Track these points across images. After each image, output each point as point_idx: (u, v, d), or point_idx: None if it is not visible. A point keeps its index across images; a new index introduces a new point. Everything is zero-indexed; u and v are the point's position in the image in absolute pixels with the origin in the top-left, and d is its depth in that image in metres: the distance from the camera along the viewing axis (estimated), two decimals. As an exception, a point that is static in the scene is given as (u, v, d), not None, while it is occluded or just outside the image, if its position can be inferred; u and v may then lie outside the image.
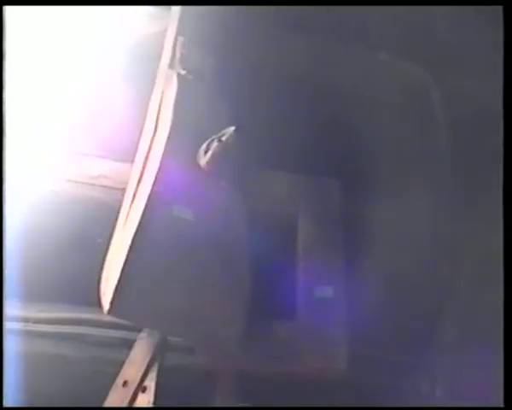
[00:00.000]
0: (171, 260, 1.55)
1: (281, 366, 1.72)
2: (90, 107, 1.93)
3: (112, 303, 1.50)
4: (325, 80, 1.99)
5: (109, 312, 1.51)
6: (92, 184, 1.89)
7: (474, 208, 1.97)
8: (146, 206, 1.55)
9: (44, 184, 1.86)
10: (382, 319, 1.82)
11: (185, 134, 1.67)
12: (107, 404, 1.61)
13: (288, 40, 1.97)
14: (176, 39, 1.85)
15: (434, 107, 2.12)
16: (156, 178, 1.58)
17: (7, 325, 1.77)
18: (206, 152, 1.64)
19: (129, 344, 1.69)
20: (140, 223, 1.53)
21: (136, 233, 1.52)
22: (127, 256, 1.51)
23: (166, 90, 1.76)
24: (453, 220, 1.98)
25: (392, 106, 2.05)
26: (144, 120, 1.82)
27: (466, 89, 2.13)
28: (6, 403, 1.44)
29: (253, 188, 1.81)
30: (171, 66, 1.81)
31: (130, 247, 1.51)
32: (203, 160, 1.64)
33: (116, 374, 1.63)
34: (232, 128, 1.63)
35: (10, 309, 1.78)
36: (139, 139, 1.80)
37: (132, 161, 1.78)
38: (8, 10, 1.57)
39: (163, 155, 1.61)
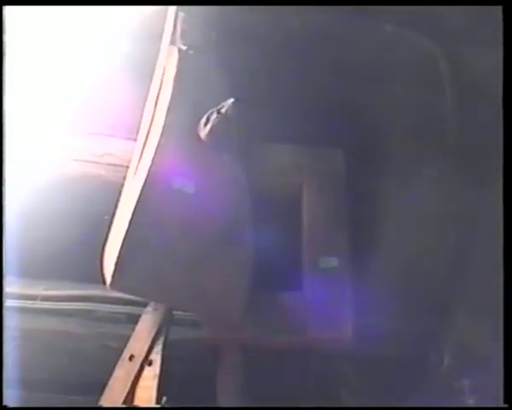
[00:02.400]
0: (172, 233, 1.56)
1: (285, 338, 1.72)
2: (94, 86, 1.93)
3: (113, 277, 1.51)
4: (330, 53, 1.97)
5: (111, 285, 1.52)
6: (98, 163, 1.89)
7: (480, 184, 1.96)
8: (146, 180, 1.55)
9: (50, 164, 1.87)
10: (388, 290, 1.82)
11: (185, 107, 1.67)
12: (113, 378, 1.62)
13: (291, 14, 1.95)
14: (177, 15, 1.84)
15: (443, 79, 2.09)
16: (156, 151, 1.58)
17: (15, 303, 1.80)
18: (205, 124, 1.64)
19: (135, 319, 1.70)
20: (140, 197, 1.54)
21: (136, 207, 1.53)
22: (128, 230, 1.51)
23: (167, 66, 1.76)
24: (459, 190, 1.96)
25: (399, 78, 2.03)
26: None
27: (474, 60, 2.10)
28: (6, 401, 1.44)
29: (257, 160, 1.80)
30: (172, 42, 1.80)
31: (131, 221, 1.52)
32: (203, 132, 1.64)
33: (122, 349, 1.65)
34: (231, 100, 1.63)
35: (18, 288, 1.81)
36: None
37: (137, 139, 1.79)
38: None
39: (163, 128, 1.61)
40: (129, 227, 1.51)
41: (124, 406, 1.57)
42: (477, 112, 2.04)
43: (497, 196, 1.66)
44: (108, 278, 1.52)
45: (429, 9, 2.04)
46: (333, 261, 1.77)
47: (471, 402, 1.76)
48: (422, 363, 1.84)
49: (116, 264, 1.50)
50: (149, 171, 1.56)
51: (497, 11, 1.93)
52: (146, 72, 1.85)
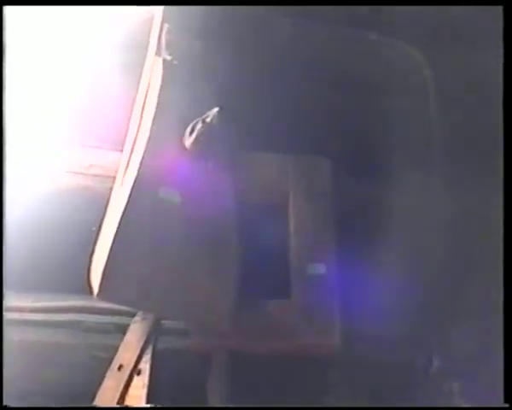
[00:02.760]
0: (158, 242, 1.57)
1: (274, 344, 1.73)
2: (81, 98, 1.94)
3: (100, 287, 1.52)
4: (314, 62, 1.99)
5: (98, 295, 1.53)
6: (85, 174, 1.90)
7: (469, 186, 1.97)
8: (132, 189, 1.56)
9: (37, 176, 1.87)
10: (376, 294, 1.82)
11: (170, 118, 1.68)
12: (103, 388, 1.62)
13: (276, 24, 1.96)
14: (162, 26, 1.85)
15: (427, 86, 2.11)
16: (141, 161, 1.59)
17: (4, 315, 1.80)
18: (191, 134, 1.65)
19: (123, 330, 1.71)
20: (126, 206, 1.55)
21: (122, 217, 1.54)
22: (114, 240, 1.52)
23: (153, 77, 1.77)
24: (447, 197, 1.97)
25: (383, 86, 2.04)
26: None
27: (459, 66, 2.11)
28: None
29: (244, 168, 1.81)
30: (157, 53, 1.82)
31: (117, 230, 1.53)
32: (188, 141, 1.65)
33: (111, 359, 1.65)
34: (216, 109, 1.65)
35: (6, 300, 1.81)
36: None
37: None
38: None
39: (148, 138, 1.62)
40: (115, 237, 1.52)
41: (119, 406, 1.58)
42: (462, 118, 2.06)
43: (488, 198, 1.68)
44: (96, 289, 1.53)
45: (413, 17, 2.07)
46: (320, 268, 1.78)
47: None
48: (411, 366, 1.84)
49: (103, 274, 1.51)
50: (135, 181, 1.57)
51: (485, 16, 1.96)
52: (134, 83, 1.86)
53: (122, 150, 1.79)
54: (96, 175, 1.89)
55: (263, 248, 1.78)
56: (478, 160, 1.98)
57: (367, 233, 1.88)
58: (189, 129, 1.66)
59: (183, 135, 1.67)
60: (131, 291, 1.55)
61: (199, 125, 1.65)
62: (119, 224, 1.53)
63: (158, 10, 1.92)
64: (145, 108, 1.73)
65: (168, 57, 1.78)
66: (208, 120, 1.65)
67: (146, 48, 1.87)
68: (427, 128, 2.07)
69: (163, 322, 1.71)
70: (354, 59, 2.02)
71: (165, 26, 1.86)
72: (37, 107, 1.92)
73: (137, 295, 1.56)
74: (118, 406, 1.58)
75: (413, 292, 1.88)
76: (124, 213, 1.54)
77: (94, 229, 1.72)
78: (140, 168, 1.58)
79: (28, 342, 1.74)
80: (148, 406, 1.57)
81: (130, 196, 1.55)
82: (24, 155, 1.88)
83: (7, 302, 1.80)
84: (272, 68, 1.93)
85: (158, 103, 1.68)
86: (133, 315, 1.71)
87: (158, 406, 1.55)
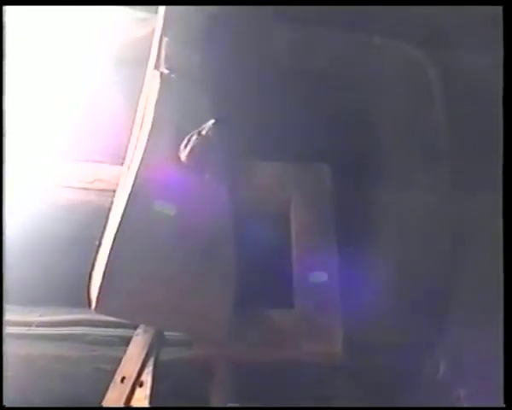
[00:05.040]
0: (154, 255, 1.58)
1: (277, 353, 1.73)
2: (83, 113, 1.96)
3: (97, 300, 1.53)
4: (316, 67, 1.99)
5: (96, 308, 1.55)
6: (88, 189, 1.92)
7: (473, 188, 1.96)
8: (127, 202, 1.58)
9: (41, 191, 1.90)
10: (379, 302, 1.82)
11: (167, 131, 1.70)
12: (106, 400, 1.64)
13: (275, 30, 1.97)
14: (161, 40, 1.87)
15: (432, 87, 2.09)
16: (137, 174, 1.61)
17: (11, 330, 1.83)
18: (186, 146, 1.66)
19: (127, 342, 1.71)
20: (121, 219, 1.56)
21: (117, 230, 1.55)
22: (110, 253, 1.54)
23: (151, 91, 1.78)
24: (453, 201, 1.95)
25: (388, 89, 2.03)
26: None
27: (463, 66, 2.10)
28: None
29: (243, 178, 1.82)
30: (156, 66, 1.83)
31: (113, 243, 1.55)
32: (183, 154, 1.66)
33: (115, 371, 1.67)
34: (211, 121, 1.65)
35: (13, 315, 1.84)
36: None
37: (124, 164, 1.82)
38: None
39: (144, 151, 1.64)
40: (111, 251, 1.54)
41: (121, 406, 1.60)
42: (468, 118, 2.04)
43: (491, 202, 1.66)
44: (93, 302, 1.55)
45: (416, 17, 2.06)
46: (322, 276, 1.78)
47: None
48: (417, 372, 1.83)
49: (99, 288, 1.53)
50: (130, 194, 1.58)
51: (485, 16, 1.94)
52: (135, 97, 1.87)
53: (123, 164, 1.81)
54: (99, 190, 1.91)
55: (264, 257, 1.78)
56: (484, 160, 1.95)
57: (368, 239, 1.87)
58: (184, 142, 1.67)
59: (178, 148, 1.68)
60: (128, 304, 1.56)
61: (194, 138, 1.65)
62: (115, 238, 1.54)
63: (158, 24, 1.94)
64: (143, 122, 1.74)
65: (166, 71, 1.80)
66: (204, 132, 1.65)
67: (145, 63, 1.88)
68: (432, 129, 2.05)
69: (165, 333, 1.72)
70: (357, 63, 2.01)
71: (165, 39, 1.88)
72: (36, 119, 1.94)
73: (134, 309, 1.58)
74: (118, 403, 1.59)
75: (418, 297, 1.88)
76: (119, 227, 1.55)
77: (97, 243, 1.74)
78: (135, 182, 1.59)
79: (34, 356, 1.77)
80: (149, 406, 1.59)
81: (125, 209, 1.57)
82: (25, 168, 1.90)
83: (14, 317, 1.84)
84: (271, 77, 1.93)
85: (154, 117, 1.70)
86: (136, 328, 1.73)
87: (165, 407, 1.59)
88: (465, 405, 1.77)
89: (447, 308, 1.87)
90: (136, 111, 1.85)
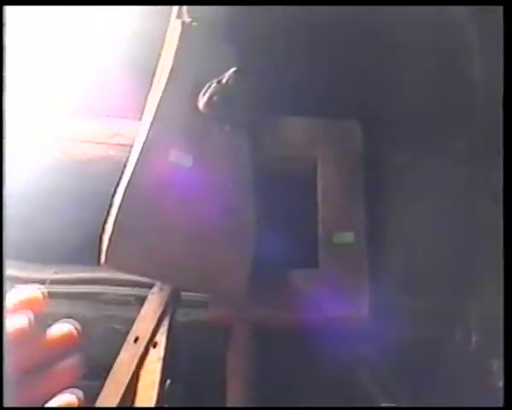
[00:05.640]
0: (168, 207, 1.50)
1: (299, 317, 1.64)
2: (103, 67, 1.90)
3: (107, 253, 1.47)
4: (346, 23, 1.89)
5: (105, 262, 1.48)
6: (108, 144, 1.86)
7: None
8: (140, 152, 1.51)
9: (59, 146, 1.84)
10: (409, 265, 1.73)
11: (185, 80, 1.62)
12: (119, 360, 1.57)
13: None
14: (185, -9, 1.80)
15: (470, 45, 1.98)
16: (152, 123, 1.54)
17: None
18: (204, 94, 1.59)
19: (143, 302, 1.65)
20: (134, 169, 1.49)
21: (130, 180, 1.49)
22: (121, 203, 1.47)
23: (171, 40, 1.71)
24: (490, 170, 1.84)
25: (422, 45, 1.93)
26: (157, 75, 1.78)
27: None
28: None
29: (268, 133, 1.74)
30: (178, 16, 1.76)
31: (124, 194, 1.48)
32: (201, 102, 1.58)
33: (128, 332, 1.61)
34: (233, 69, 1.58)
35: (27, 272, 1.78)
36: (152, 95, 1.76)
37: (144, 117, 1.75)
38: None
39: (160, 99, 1.56)
40: (121, 203, 1.47)
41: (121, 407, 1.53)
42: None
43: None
44: (102, 256, 1.48)
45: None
46: (349, 237, 1.69)
47: (500, 385, 1.65)
48: (448, 342, 1.73)
49: (109, 240, 1.46)
50: (144, 144, 1.51)
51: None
52: (155, 51, 1.80)
53: (142, 118, 1.75)
54: (119, 145, 1.84)
55: (288, 216, 1.70)
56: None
57: (397, 203, 1.78)
58: (203, 90, 1.60)
59: (197, 97, 1.60)
60: (140, 259, 1.49)
61: (213, 86, 1.58)
62: (126, 188, 1.48)
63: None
64: (162, 74, 1.67)
65: (187, 19, 1.72)
66: (224, 80, 1.58)
67: (168, 15, 1.81)
68: (469, 94, 1.94)
69: (182, 294, 1.64)
70: (388, 17, 1.91)
71: (188, -11, 1.80)
72: (55, 73, 1.89)
73: (147, 264, 1.50)
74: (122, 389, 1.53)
75: (451, 266, 1.78)
76: (131, 176, 1.48)
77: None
78: (149, 130, 1.52)
79: (48, 314, 1.70)
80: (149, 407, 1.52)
81: (138, 159, 1.50)
82: (42, 123, 1.85)
83: (27, 274, 1.79)
84: (299, 28, 1.84)
85: (173, 66, 1.63)
86: (152, 287, 1.66)
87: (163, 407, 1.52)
88: (497, 376, 1.67)
89: (482, 278, 1.77)
90: (156, 65, 1.78)
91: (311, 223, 1.71)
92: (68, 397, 1.39)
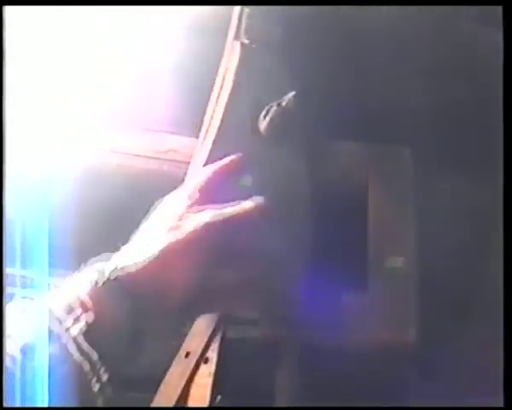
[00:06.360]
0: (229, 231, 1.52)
1: (348, 337, 1.66)
2: (159, 82, 1.93)
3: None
4: (394, 49, 1.91)
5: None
6: (161, 159, 1.89)
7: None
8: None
9: (111, 160, 1.87)
10: (455, 291, 1.75)
11: (245, 102, 1.65)
12: (169, 374, 1.61)
13: (357, 11, 1.90)
14: (242, 10, 1.82)
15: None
16: (213, 144, 1.56)
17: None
18: (265, 117, 1.61)
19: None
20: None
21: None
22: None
23: (230, 61, 1.74)
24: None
25: (467, 74, 1.95)
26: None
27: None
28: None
29: (322, 157, 1.76)
30: (236, 37, 1.79)
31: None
32: (262, 125, 1.61)
33: (180, 346, 1.63)
34: (292, 93, 1.61)
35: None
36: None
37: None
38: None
39: (220, 122, 1.59)
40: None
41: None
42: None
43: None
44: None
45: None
46: (399, 261, 1.71)
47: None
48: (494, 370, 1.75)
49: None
50: (205, 165, 1.54)
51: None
52: (212, 68, 1.83)
53: (198, 137, 1.78)
54: (172, 160, 1.88)
55: (339, 240, 1.72)
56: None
57: (444, 227, 1.80)
58: (263, 113, 1.62)
59: (257, 119, 1.63)
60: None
61: (273, 108, 1.60)
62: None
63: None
64: (220, 94, 1.70)
65: (246, 41, 1.75)
66: (284, 103, 1.60)
67: (221, 34, 1.83)
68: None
69: (233, 310, 1.67)
70: (438, 46, 1.93)
71: (246, 10, 1.83)
72: (110, 87, 1.92)
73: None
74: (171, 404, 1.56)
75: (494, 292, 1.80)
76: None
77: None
78: (210, 152, 1.55)
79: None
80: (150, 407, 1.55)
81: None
82: (98, 139, 1.88)
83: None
84: (355, 56, 1.87)
85: (233, 87, 1.65)
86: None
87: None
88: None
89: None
90: (211, 83, 1.81)
91: (362, 247, 1.73)
92: None
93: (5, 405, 1.13)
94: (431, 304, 1.69)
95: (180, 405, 1.57)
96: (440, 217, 1.82)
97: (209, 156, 1.55)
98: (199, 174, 1.42)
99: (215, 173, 1.39)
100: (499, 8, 1.67)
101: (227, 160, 1.40)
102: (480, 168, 1.87)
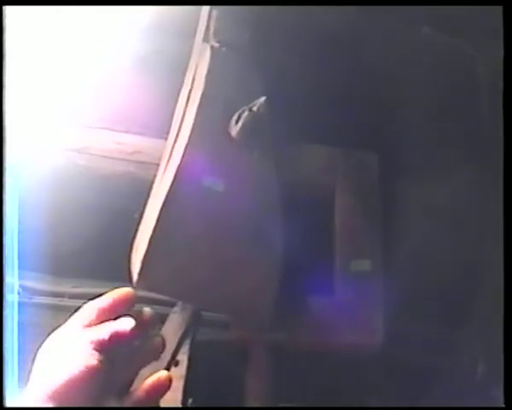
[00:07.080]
0: (200, 231, 1.53)
1: (315, 341, 1.69)
2: (124, 84, 1.91)
3: (140, 275, 1.49)
4: (365, 54, 1.93)
5: (137, 283, 1.50)
6: (128, 160, 1.88)
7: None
8: (175, 177, 1.53)
9: (79, 161, 1.86)
10: (421, 295, 1.78)
11: (216, 105, 1.64)
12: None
13: (327, 14, 1.91)
14: (210, 13, 1.82)
15: (480, 83, 2.04)
16: (185, 149, 1.56)
17: (43, 299, 1.81)
18: (237, 122, 1.62)
19: (163, 319, 1.67)
20: (168, 194, 1.52)
21: (164, 204, 1.51)
22: (154, 228, 1.49)
23: (199, 64, 1.74)
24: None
25: (435, 82, 1.98)
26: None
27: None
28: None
29: (289, 160, 1.78)
30: (204, 39, 1.78)
31: (158, 217, 1.50)
32: (234, 130, 1.61)
33: (150, 349, 1.62)
34: (263, 98, 1.61)
35: (46, 285, 1.81)
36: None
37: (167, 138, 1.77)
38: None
39: (192, 126, 1.59)
40: (156, 225, 1.49)
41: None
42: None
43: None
44: (135, 277, 1.51)
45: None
46: (365, 264, 1.74)
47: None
48: (455, 370, 1.79)
49: (142, 262, 1.49)
50: (178, 168, 1.54)
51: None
52: (178, 70, 1.83)
53: (165, 138, 1.77)
54: (139, 162, 1.87)
55: (306, 242, 1.74)
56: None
57: (411, 232, 1.83)
58: (235, 117, 1.63)
59: (228, 124, 1.63)
60: (171, 280, 1.52)
61: (245, 114, 1.61)
62: (160, 212, 1.50)
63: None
64: (191, 96, 1.70)
65: (216, 44, 1.74)
66: (255, 108, 1.61)
67: (189, 35, 1.83)
68: (479, 126, 2.00)
69: (203, 313, 1.68)
70: (405, 52, 1.96)
71: (214, 12, 1.82)
72: (76, 87, 1.90)
73: (177, 285, 1.54)
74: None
75: (458, 295, 1.84)
76: (165, 201, 1.51)
77: (136, 216, 1.70)
78: (183, 156, 1.54)
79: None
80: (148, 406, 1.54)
81: (172, 184, 1.52)
82: (64, 140, 1.86)
83: (46, 287, 1.81)
84: (322, 60, 1.88)
85: (203, 91, 1.64)
86: (173, 305, 1.69)
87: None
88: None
89: (488, 307, 1.83)
90: (179, 85, 1.81)
91: (329, 250, 1.75)
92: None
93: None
94: (397, 306, 1.72)
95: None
96: (407, 221, 1.85)
97: (181, 160, 1.54)
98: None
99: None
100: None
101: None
102: (447, 172, 1.90)
